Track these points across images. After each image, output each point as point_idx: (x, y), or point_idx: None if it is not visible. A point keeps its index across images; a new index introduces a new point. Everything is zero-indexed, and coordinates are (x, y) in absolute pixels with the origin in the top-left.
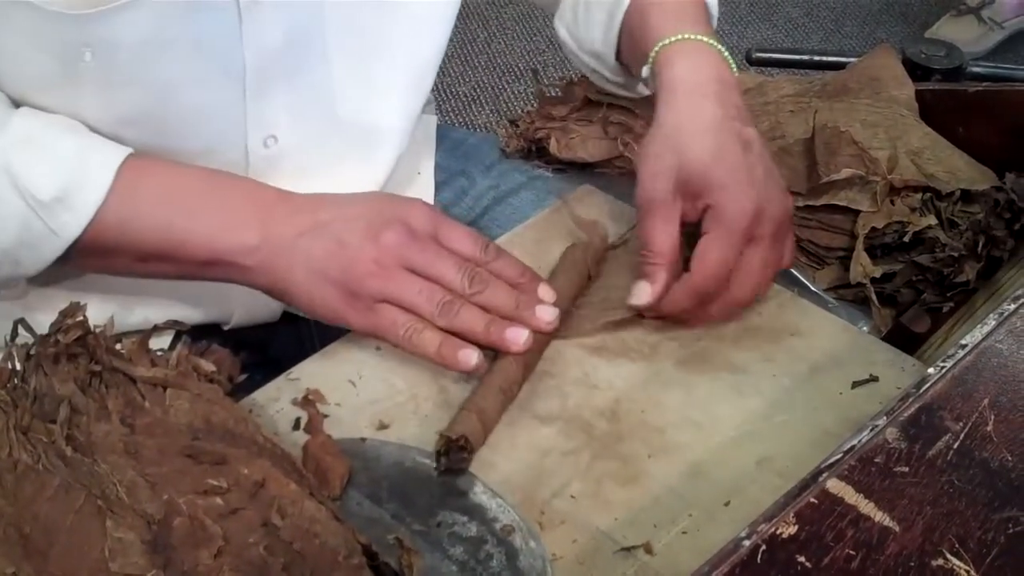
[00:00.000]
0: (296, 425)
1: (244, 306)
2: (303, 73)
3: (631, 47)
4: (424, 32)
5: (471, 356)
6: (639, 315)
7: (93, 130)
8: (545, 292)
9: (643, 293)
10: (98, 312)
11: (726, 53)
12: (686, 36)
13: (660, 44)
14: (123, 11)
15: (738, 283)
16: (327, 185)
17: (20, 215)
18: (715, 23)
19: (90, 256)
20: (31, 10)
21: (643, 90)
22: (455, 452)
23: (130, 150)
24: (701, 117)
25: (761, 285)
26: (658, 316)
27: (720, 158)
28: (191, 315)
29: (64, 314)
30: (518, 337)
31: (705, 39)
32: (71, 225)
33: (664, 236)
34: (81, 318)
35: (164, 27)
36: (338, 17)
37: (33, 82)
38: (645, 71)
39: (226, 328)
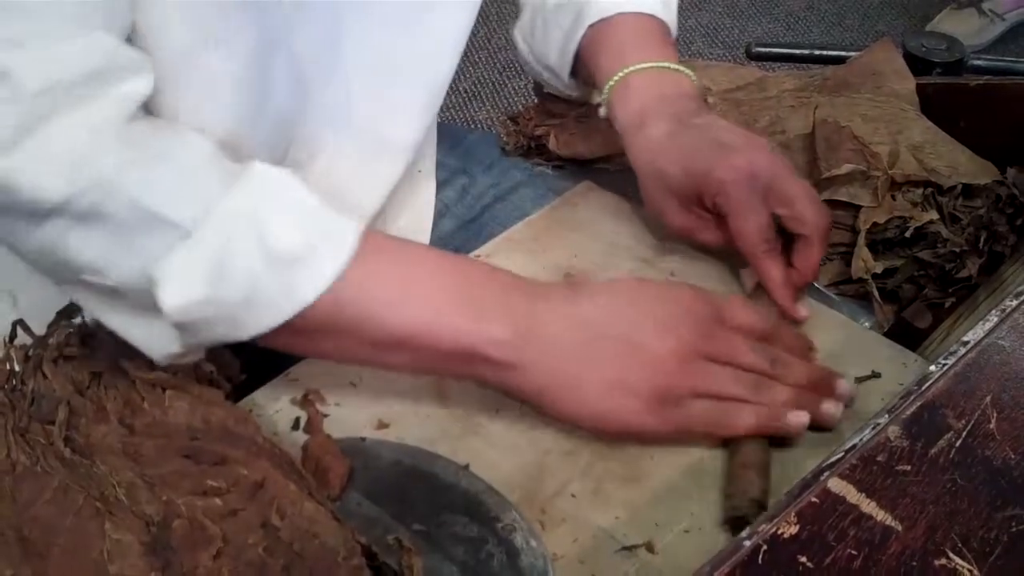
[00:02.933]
0: (296, 425)
1: None
2: (319, 86)
3: (585, 73)
4: (441, 51)
5: (800, 415)
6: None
7: None
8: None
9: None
10: None
11: (678, 67)
12: (634, 68)
13: (610, 82)
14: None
15: (802, 221)
16: (335, 189)
17: (252, 268)
18: (674, 33)
19: (316, 332)
20: None
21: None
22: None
23: (363, 221)
24: (654, 146)
25: (821, 206)
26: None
27: (688, 161)
28: None
29: (61, 315)
30: (833, 409)
31: (652, 64)
32: (308, 286)
33: (697, 222)
34: (79, 320)
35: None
36: (357, 33)
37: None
38: (602, 112)
39: None
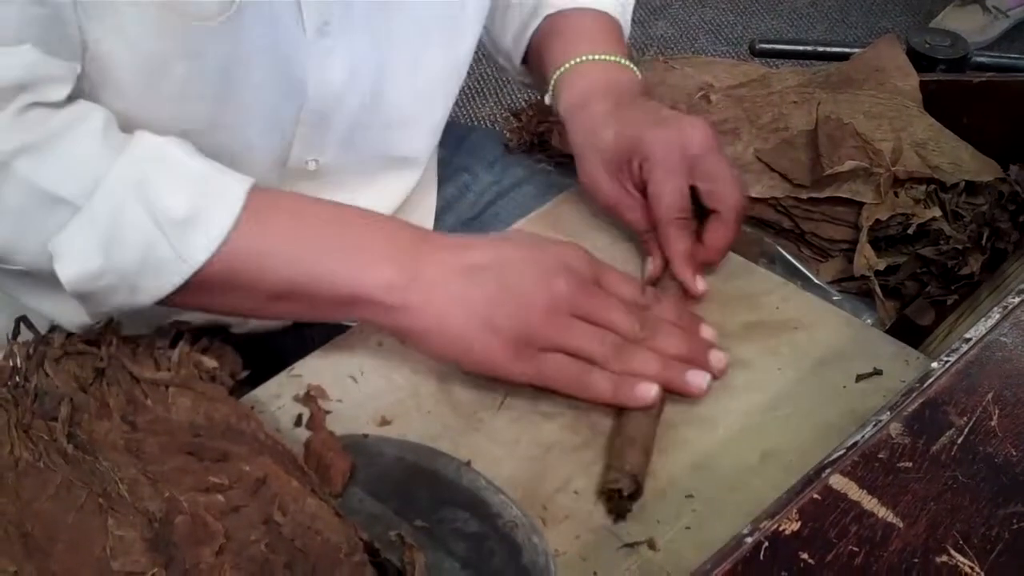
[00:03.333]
0: (298, 421)
1: None
2: (359, 111)
3: (537, 61)
4: (462, 68)
5: (650, 389)
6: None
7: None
8: (708, 332)
9: (658, 263)
10: None
11: (627, 63)
12: (584, 59)
13: (560, 69)
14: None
15: (718, 197)
16: (352, 198)
17: (146, 235)
18: (627, 32)
19: (212, 290)
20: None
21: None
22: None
23: (253, 179)
24: (596, 118)
25: (740, 187)
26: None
27: (626, 128)
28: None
29: None
30: (700, 380)
31: (602, 57)
32: (200, 249)
33: (639, 217)
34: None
35: (245, 42)
36: (403, 64)
37: (140, 70)
38: (548, 99)
39: (238, 333)
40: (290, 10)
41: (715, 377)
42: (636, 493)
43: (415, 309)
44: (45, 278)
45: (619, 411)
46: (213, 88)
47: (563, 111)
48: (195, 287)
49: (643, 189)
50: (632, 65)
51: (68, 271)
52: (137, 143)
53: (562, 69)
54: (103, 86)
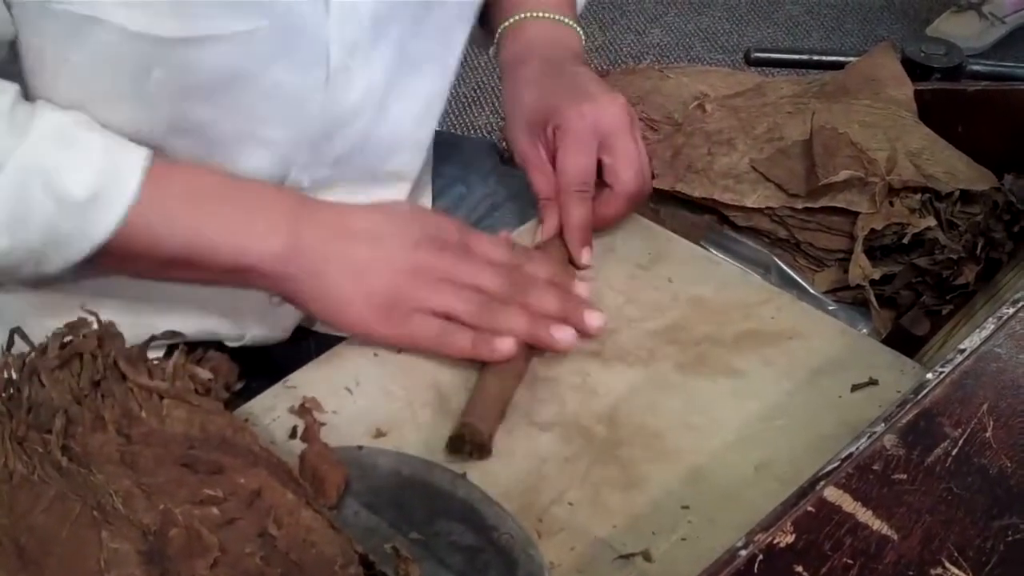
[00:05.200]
0: (293, 434)
1: (257, 324)
2: (360, 136)
3: (490, 20)
4: (450, 83)
5: (506, 342)
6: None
7: (138, 139)
8: (583, 289)
9: (549, 227)
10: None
11: (571, 23)
12: (530, 15)
13: (506, 23)
14: (207, 42)
15: (616, 176)
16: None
17: (48, 215)
18: (580, 6)
19: (113, 258)
20: (111, 29)
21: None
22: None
23: (149, 151)
24: (526, 77)
25: (641, 171)
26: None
27: (549, 94)
28: (202, 331)
29: (71, 327)
30: (566, 335)
31: (547, 15)
32: (101, 226)
33: (543, 180)
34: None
35: (245, 65)
36: (405, 86)
37: (97, 96)
38: (492, 51)
39: (235, 346)
40: (314, 52)
41: (588, 336)
42: (481, 446)
43: (298, 277)
44: None
45: (481, 367)
46: (203, 97)
47: (502, 65)
48: (96, 257)
49: (554, 156)
50: (575, 25)
51: None
52: (40, 119)
53: (506, 23)
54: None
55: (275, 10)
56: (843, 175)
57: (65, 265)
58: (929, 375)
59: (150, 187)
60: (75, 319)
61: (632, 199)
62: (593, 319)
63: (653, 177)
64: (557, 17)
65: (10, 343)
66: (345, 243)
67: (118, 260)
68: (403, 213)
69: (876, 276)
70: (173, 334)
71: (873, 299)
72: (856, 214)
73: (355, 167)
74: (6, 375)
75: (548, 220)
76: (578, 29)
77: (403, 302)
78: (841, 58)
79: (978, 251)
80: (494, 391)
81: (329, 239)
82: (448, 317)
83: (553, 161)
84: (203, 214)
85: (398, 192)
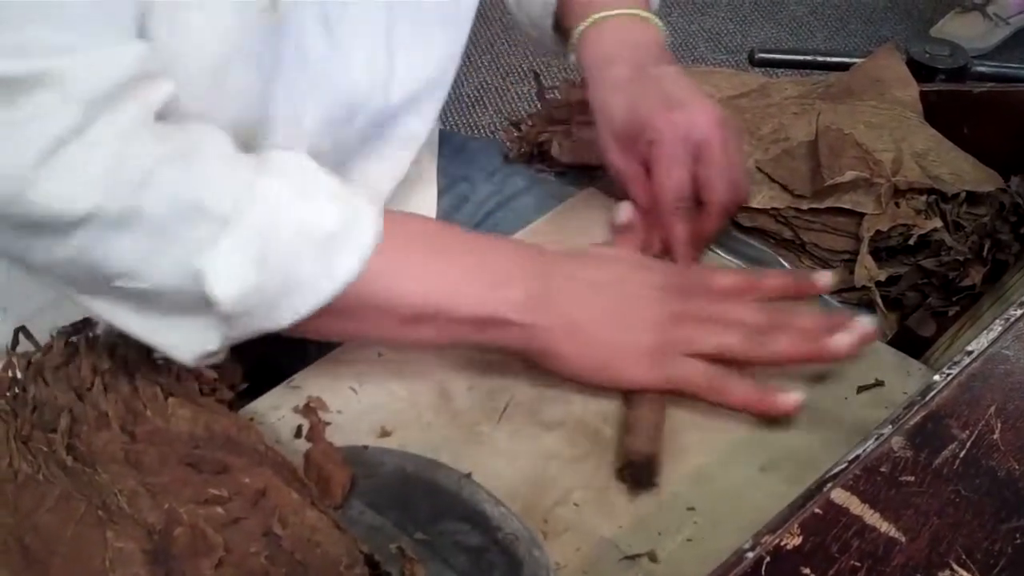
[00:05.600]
0: (298, 433)
1: None
2: (338, 80)
3: (563, 24)
4: (448, 31)
5: (791, 395)
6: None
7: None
8: (825, 279)
9: (624, 210)
10: None
11: (647, 15)
12: (604, 14)
13: (581, 26)
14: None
15: (709, 188)
16: (349, 174)
17: (295, 250)
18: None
19: (349, 314)
20: None
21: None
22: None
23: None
24: (613, 82)
25: (734, 182)
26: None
27: (638, 101)
28: None
29: (75, 326)
30: (843, 339)
31: (621, 12)
32: (346, 266)
33: (644, 195)
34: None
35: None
36: (413, 47)
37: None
38: (572, 58)
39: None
40: (312, 16)
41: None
42: (649, 469)
43: (550, 329)
44: (174, 301)
45: (626, 396)
46: (258, 88)
47: (585, 70)
48: (332, 309)
49: (648, 167)
50: (655, 19)
51: (224, 287)
52: (277, 157)
53: (583, 25)
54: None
55: None
56: (849, 176)
57: (298, 314)
58: (936, 377)
59: (390, 230)
60: (79, 318)
61: (727, 212)
62: (860, 324)
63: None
64: (635, 12)
65: (15, 342)
66: (595, 293)
67: (352, 316)
68: (636, 262)
69: (882, 277)
70: None
71: (879, 300)
72: (861, 215)
73: (367, 130)
74: (11, 374)
75: (633, 203)
76: (658, 23)
77: (672, 347)
78: (845, 59)
79: (984, 253)
80: (646, 418)
81: (577, 290)
82: (719, 356)
83: (647, 170)
84: (444, 261)
85: (408, 154)
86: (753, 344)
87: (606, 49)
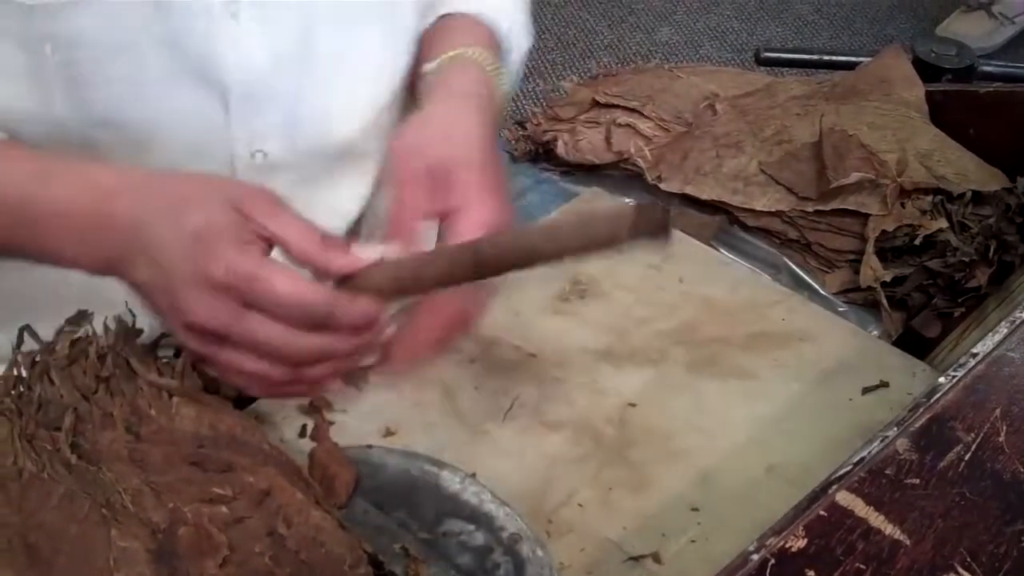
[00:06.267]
0: (302, 432)
1: None
2: (296, 95)
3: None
4: (402, 51)
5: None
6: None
7: (66, 130)
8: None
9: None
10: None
11: (487, 66)
12: (451, 54)
13: (433, 64)
14: (78, 6)
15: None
16: (319, 199)
17: None
18: (514, 43)
19: None
20: None
21: None
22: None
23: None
24: (447, 116)
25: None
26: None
27: (468, 160)
28: None
29: (70, 322)
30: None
31: (464, 51)
32: None
33: (409, 210)
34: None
35: (123, 26)
36: (327, 39)
37: (4, 69)
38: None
39: None
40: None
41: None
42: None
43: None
44: None
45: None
46: (95, 73)
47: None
48: None
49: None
50: (479, 60)
51: None
52: None
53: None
54: None
55: None
56: (854, 177)
57: None
58: (942, 379)
59: None
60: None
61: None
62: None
63: (660, 180)
64: (462, 51)
65: (19, 341)
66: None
67: None
68: (185, 252)
69: (887, 278)
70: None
71: (884, 301)
72: (867, 216)
73: (303, 139)
74: (15, 373)
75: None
76: (485, 64)
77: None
78: (851, 58)
79: (990, 254)
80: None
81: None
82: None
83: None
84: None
85: (362, 173)
86: (285, 379)
87: (448, 86)
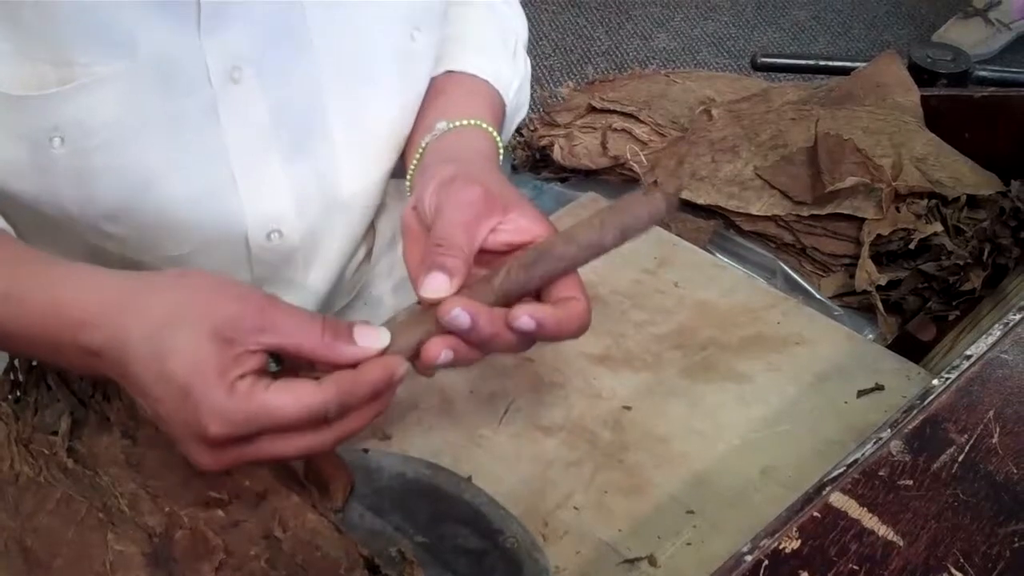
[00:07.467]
0: None
1: None
2: (303, 156)
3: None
4: (398, 101)
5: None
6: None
7: (75, 224)
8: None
9: (440, 285)
10: None
11: (491, 131)
12: (457, 124)
13: (427, 139)
14: (88, 89)
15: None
16: (331, 269)
17: None
18: (514, 99)
19: None
20: None
21: None
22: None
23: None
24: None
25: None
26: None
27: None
28: None
29: None
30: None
31: (468, 122)
32: None
33: (463, 232)
34: None
35: (134, 106)
36: (335, 94)
37: (6, 168)
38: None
39: None
40: (192, 63)
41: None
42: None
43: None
44: None
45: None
46: (106, 162)
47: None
48: None
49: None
50: (485, 126)
51: None
52: None
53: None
54: None
55: (139, 48)
56: (850, 181)
57: None
58: (935, 381)
59: None
60: None
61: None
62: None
63: (656, 184)
64: (475, 121)
65: None
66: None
67: None
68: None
69: (882, 281)
70: None
71: (879, 304)
72: (862, 220)
73: (330, 208)
74: (12, 377)
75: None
76: (496, 136)
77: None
78: (847, 63)
79: (985, 257)
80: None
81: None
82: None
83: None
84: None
85: (363, 217)
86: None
87: (441, 152)
